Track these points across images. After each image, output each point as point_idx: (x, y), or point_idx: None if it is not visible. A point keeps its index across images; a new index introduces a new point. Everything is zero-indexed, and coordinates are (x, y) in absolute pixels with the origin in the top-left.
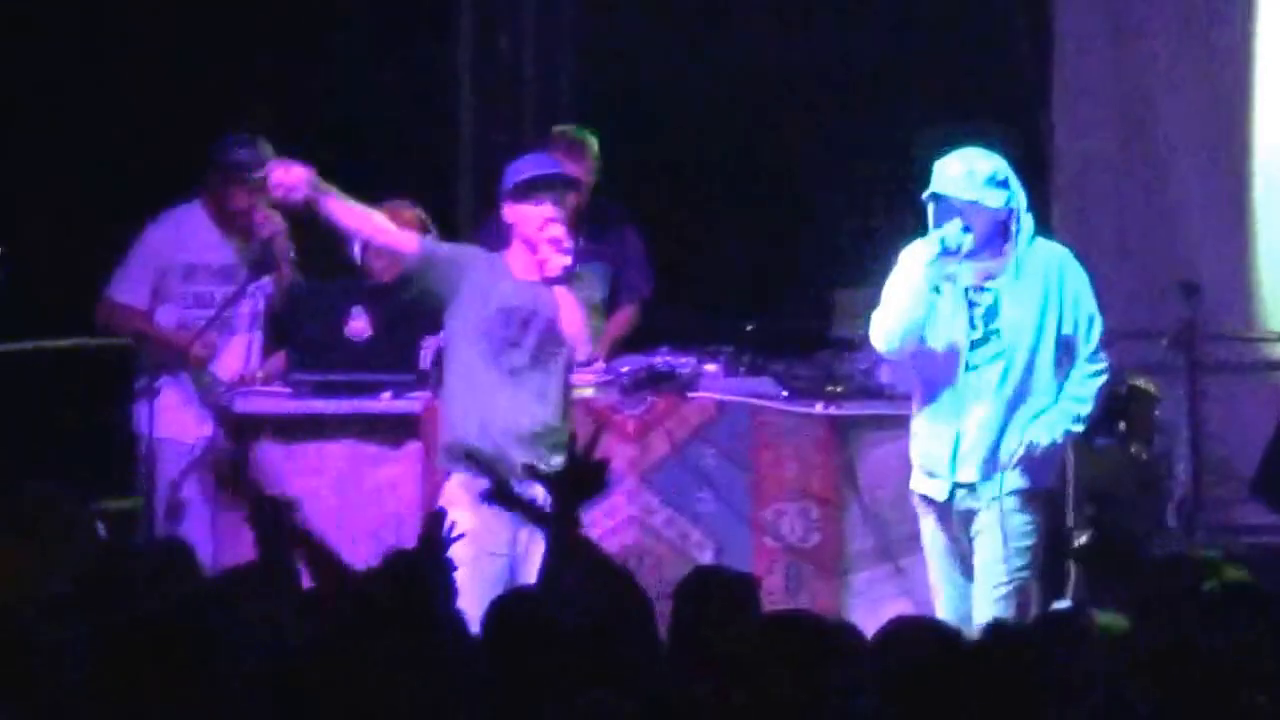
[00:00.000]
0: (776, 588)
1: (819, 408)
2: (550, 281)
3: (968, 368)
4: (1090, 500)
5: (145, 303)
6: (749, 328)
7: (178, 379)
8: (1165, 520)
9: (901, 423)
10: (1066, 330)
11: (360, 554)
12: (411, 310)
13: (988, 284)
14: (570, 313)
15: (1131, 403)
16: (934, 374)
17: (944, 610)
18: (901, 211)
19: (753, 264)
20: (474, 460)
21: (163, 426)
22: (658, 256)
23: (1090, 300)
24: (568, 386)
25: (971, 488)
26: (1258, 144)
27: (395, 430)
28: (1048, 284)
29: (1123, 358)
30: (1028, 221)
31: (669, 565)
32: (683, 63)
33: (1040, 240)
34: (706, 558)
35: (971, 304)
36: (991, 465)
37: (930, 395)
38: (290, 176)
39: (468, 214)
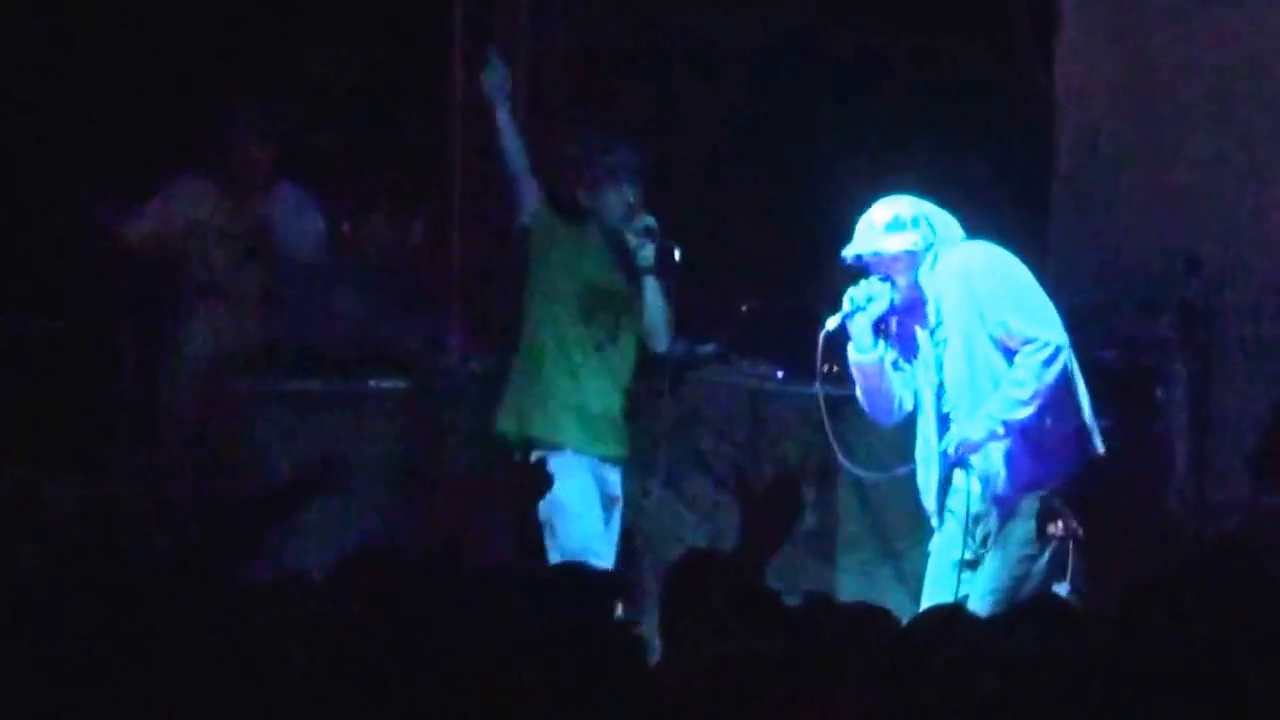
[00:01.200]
0: (770, 570)
1: (818, 388)
2: (642, 271)
3: (941, 417)
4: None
5: (136, 244)
6: (744, 308)
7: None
8: (1166, 500)
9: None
10: (994, 333)
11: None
12: (401, 290)
13: (935, 324)
14: (653, 302)
15: (1129, 382)
16: (921, 420)
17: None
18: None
19: (749, 245)
20: None
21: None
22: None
23: (1006, 300)
24: (635, 374)
25: (973, 495)
26: (1267, 125)
27: (383, 408)
28: (960, 301)
29: (1127, 335)
30: (946, 249)
31: (661, 547)
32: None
33: (946, 256)
34: (700, 540)
35: (936, 344)
36: (989, 483)
37: (920, 437)
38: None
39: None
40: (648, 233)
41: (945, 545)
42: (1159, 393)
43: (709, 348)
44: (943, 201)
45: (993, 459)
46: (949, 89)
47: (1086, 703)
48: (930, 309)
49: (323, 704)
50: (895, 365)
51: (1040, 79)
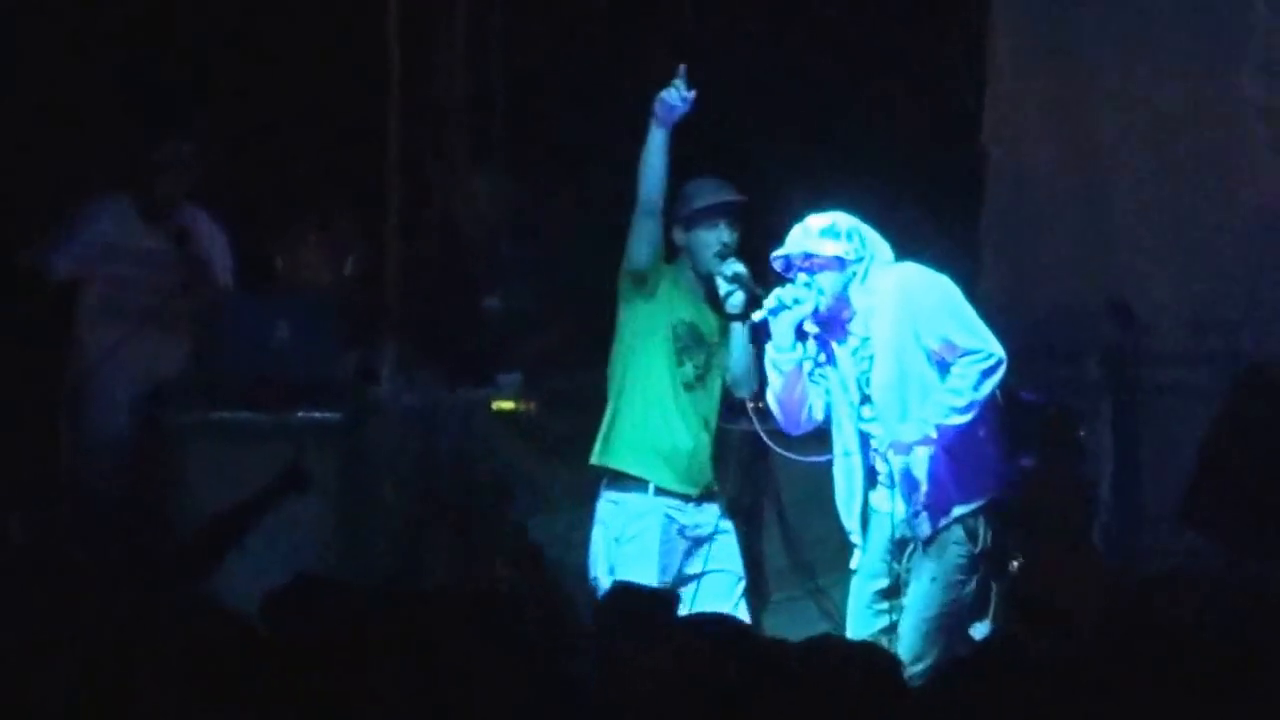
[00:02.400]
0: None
1: (743, 425)
2: (728, 317)
3: (861, 434)
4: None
5: (63, 275)
6: None
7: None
8: (1092, 541)
9: (824, 439)
10: (933, 349)
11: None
12: (334, 320)
13: (861, 339)
14: (739, 348)
15: (1056, 423)
16: (836, 437)
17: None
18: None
19: None
20: None
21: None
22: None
23: (945, 315)
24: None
25: (899, 520)
26: (1199, 163)
27: (316, 439)
28: (897, 317)
29: (1052, 378)
30: (877, 264)
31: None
32: (612, 80)
33: (888, 270)
34: None
35: (856, 362)
36: (914, 504)
37: (838, 453)
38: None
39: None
40: (736, 279)
41: (867, 574)
42: (1084, 434)
43: None
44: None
45: (917, 480)
46: (881, 137)
47: None
48: (856, 324)
49: None
50: (810, 374)
51: (971, 125)
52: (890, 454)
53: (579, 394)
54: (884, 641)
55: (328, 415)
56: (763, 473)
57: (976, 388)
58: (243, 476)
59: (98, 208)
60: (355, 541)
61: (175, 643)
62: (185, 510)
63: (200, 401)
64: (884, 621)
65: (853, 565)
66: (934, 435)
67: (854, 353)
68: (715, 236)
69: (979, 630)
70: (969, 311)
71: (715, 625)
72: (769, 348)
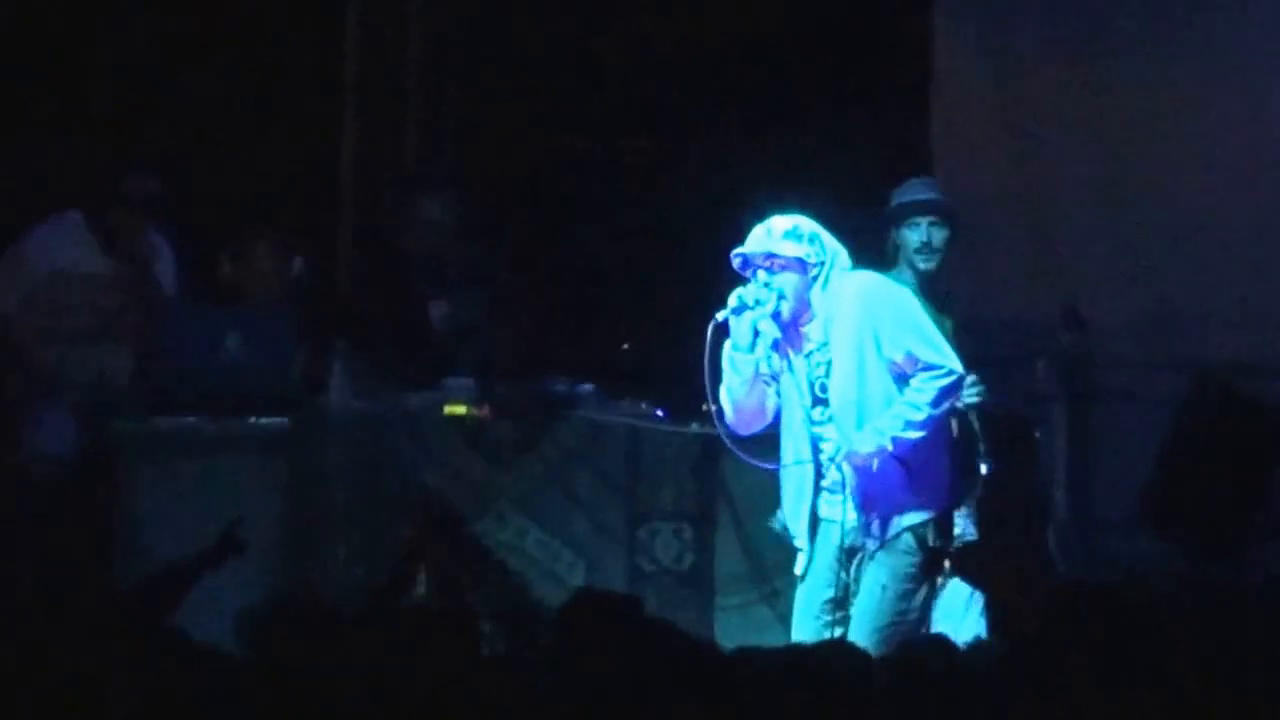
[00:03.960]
0: (649, 610)
1: (694, 428)
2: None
3: (813, 437)
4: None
5: (8, 309)
6: (625, 347)
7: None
8: (1046, 547)
9: (775, 443)
10: (894, 360)
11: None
12: (284, 330)
13: (819, 344)
14: None
15: (1009, 430)
16: (786, 441)
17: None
18: None
19: (630, 285)
20: None
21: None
22: (538, 276)
23: (907, 328)
24: None
25: (848, 528)
26: (1143, 178)
27: (265, 449)
28: (859, 326)
29: (1005, 385)
30: (837, 269)
31: (539, 586)
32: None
33: (848, 276)
34: (577, 579)
35: (812, 367)
36: (865, 513)
37: (787, 459)
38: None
39: (346, 238)
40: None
41: (815, 584)
42: (1038, 440)
43: (588, 387)
44: None
45: (869, 488)
46: (828, 150)
47: None
48: (814, 328)
49: None
50: (764, 378)
51: (917, 146)
52: (843, 463)
53: (527, 400)
54: None
55: (276, 422)
56: (716, 476)
57: (935, 404)
58: (190, 484)
59: (48, 235)
60: (305, 549)
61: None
62: (133, 519)
63: (147, 409)
64: (835, 634)
65: (797, 570)
66: (889, 447)
67: (808, 356)
68: (916, 235)
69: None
70: (930, 326)
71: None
72: (727, 347)
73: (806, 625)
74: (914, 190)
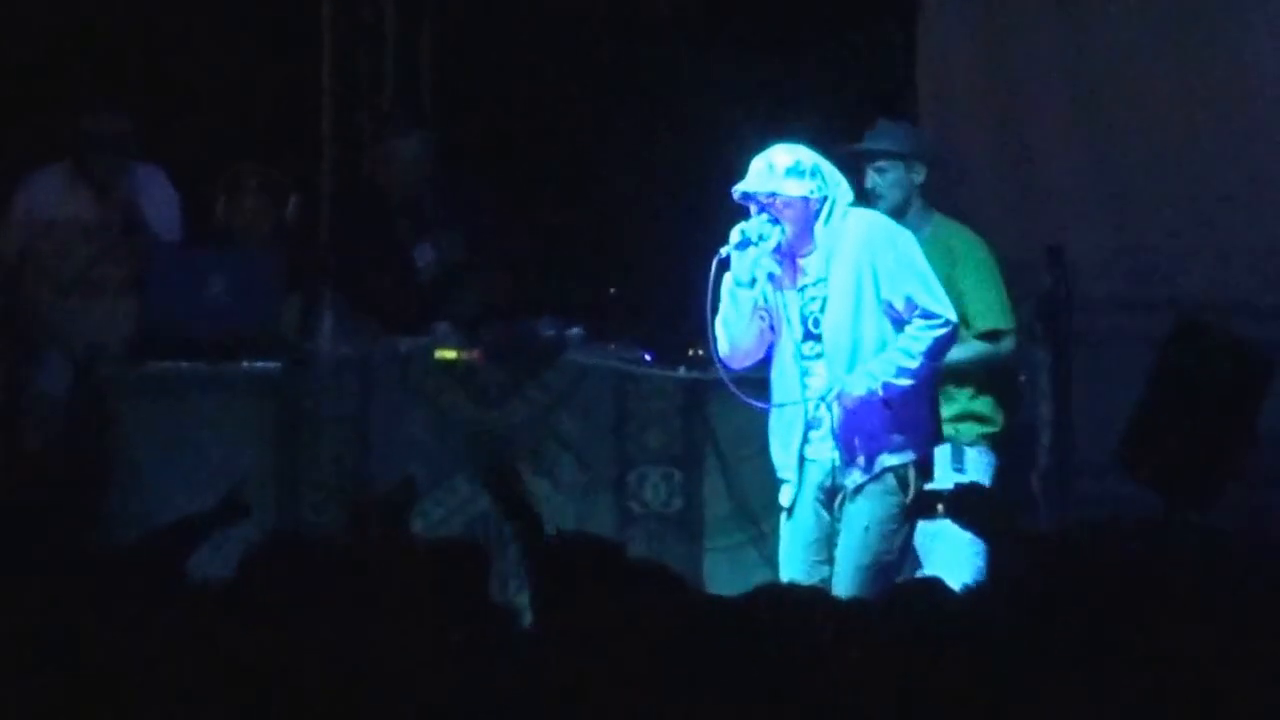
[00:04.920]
0: (638, 553)
1: (682, 372)
2: None
3: (802, 371)
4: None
5: (6, 255)
6: (613, 291)
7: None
8: (1030, 488)
9: (762, 386)
10: (890, 299)
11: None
12: (272, 272)
13: (816, 279)
14: None
15: (994, 371)
16: (777, 377)
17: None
18: None
19: (618, 230)
20: None
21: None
22: (524, 220)
23: (910, 271)
24: None
25: (831, 465)
26: (1131, 117)
27: (252, 392)
28: (859, 264)
29: None
30: (841, 205)
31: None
32: (549, 22)
33: (853, 214)
34: (567, 523)
35: (806, 301)
36: (848, 452)
37: (775, 397)
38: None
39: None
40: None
41: (801, 523)
42: (1022, 378)
43: (576, 330)
44: None
45: (853, 428)
46: (815, 93)
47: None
48: (812, 263)
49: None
50: (760, 311)
51: (903, 102)
52: (832, 402)
53: (516, 343)
54: None
55: (266, 366)
56: (703, 421)
57: (930, 354)
58: (181, 428)
59: (39, 182)
60: (293, 492)
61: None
62: (124, 464)
63: (137, 354)
64: (823, 573)
65: (784, 502)
66: (880, 391)
67: (802, 290)
68: (867, 180)
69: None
70: (930, 272)
71: (661, 574)
72: (727, 280)
73: (794, 564)
74: (871, 136)
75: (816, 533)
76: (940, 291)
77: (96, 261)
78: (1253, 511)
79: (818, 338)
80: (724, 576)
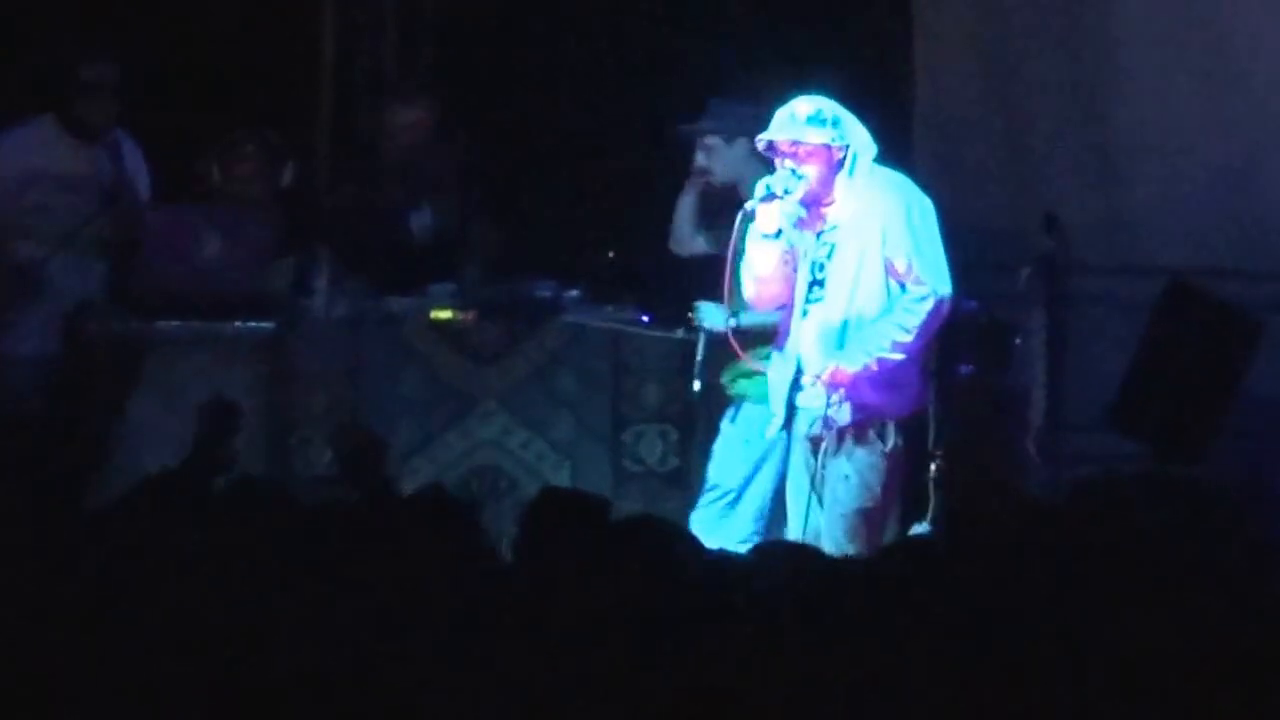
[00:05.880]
0: (636, 510)
1: (680, 333)
2: None
3: (803, 313)
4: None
5: None
6: (611, 254)
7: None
8: (1024, 449)
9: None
10: (891, 257)
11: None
12: (265, 231)
13: (828, 226)
14: None
15: (988, 333)
16: (785, 321)
17: (793, 535)
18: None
19: (616, 191)
20: None
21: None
22: (521, 179)
23: (917, 234)
24: None
25: (815, 415)
26: (1122, 86)
27: (245, 352)
28: (871, 219)
29: (984, 289)
30: (865, 158)
31: (525, 487)
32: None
33: (878, 171)
34: (563, 480)
35: (818, 246)
36: (828, 395)
37: (776, 341)
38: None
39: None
40: None
41: (795, 470)
42: (1018, 344)
43: (574, 292)
44: None
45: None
46: (809, 61)
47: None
48: (834, 211)
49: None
50: (786, 255)
51: (898, 53)
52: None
53: (512, 304)
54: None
55: (260, 326)
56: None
57: (924, 328)
58: (172, 387)
59: (22, 134)
60: (285, 453)
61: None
62: (114, 422)
63: (129, 313)
64: (817, 514)
65: (768, 434)
66: (874, 366)
67: (819, 235)
68: None
69: (920, 529)
70: (938, 242)
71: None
72: (754, 232)
73: (794, 508)
74: (703, 117)
75: (809, 478)
76: (942, 263)
77: (75, 215)
78: (1247, 466)
79: (821, 284)
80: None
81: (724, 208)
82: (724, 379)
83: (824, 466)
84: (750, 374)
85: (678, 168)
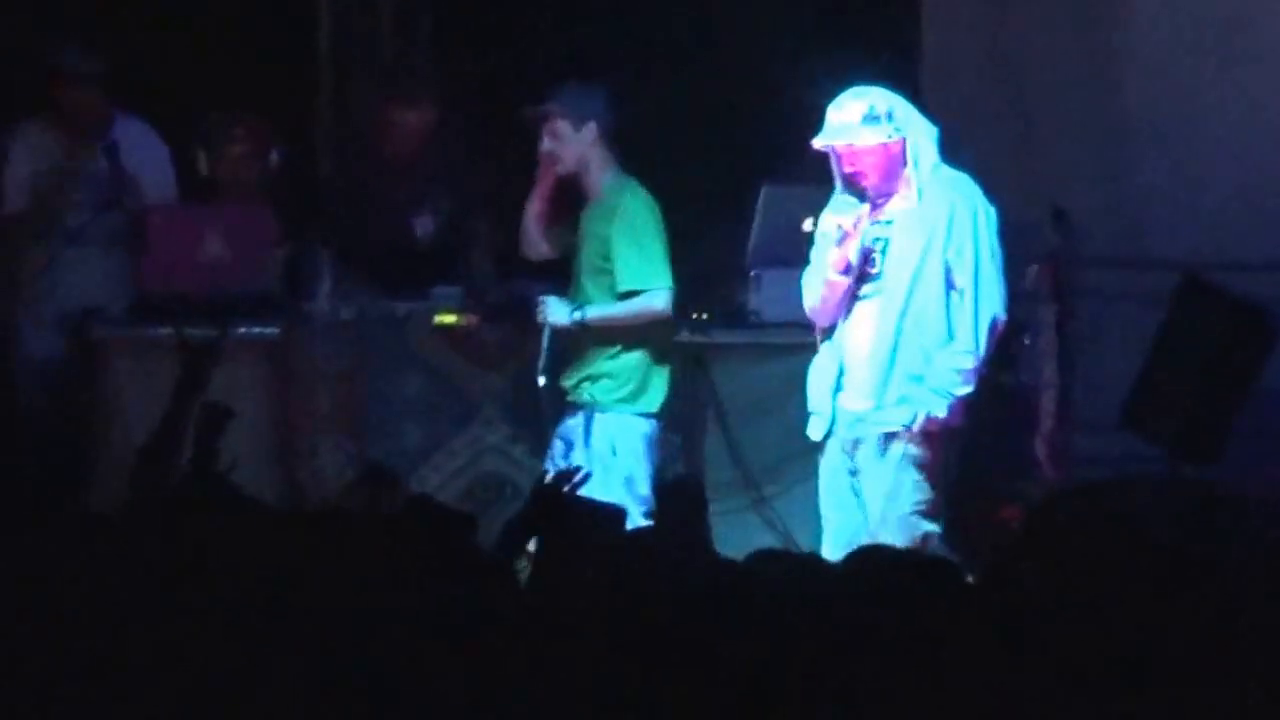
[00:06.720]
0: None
1: (684, 335)
2: None
3: (850, 309)
4: None
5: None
6: None
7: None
8: (1033, 451)
9: (765, 350)
10: (952, 263)
11: None
12: (269, 233)
13: (886, 218)
14: None
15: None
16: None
17: (828, 540)
18: (763, 147)
19: None
20: None
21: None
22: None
23: (982, 244)
24: None
25: (859, 418)
26: (1133, 73)
27: (250, 355)
28: (937, 217)
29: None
30: (925, 143)
31: (528, 492)
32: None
33: (945, 170)
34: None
35: (873, 240)
36: (879, 398)
37: (823, 333)
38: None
39: (325, 139)
40: None
41: (830, 461)
42: (1026, 342)
43: None
44: None
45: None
46: (816, 55)
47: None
48: (894, 204)
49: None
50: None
51: (907, 52)
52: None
53: (516, 307)
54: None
55: (263, 330)
56: (704, 384)
57: (983, 347)
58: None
59: (28, 133)
60: (290, 455)
61: None
62: (118, 426)
63: (132, 317)
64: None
65: (812, 435)
66: (942, 414)
67: (873, 223)
68: None
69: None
70: (999, 255)
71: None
72: (830, 270)
73: (830, 495)
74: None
75: (851, 479)
76: (1000, 281)
77: (86, 214)
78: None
79: (872, 277)
80: (724, 540)
81: (566, 205)
82: (567, 383)
83: (865, 469)
84: (597, 377)
85: (681, 170)
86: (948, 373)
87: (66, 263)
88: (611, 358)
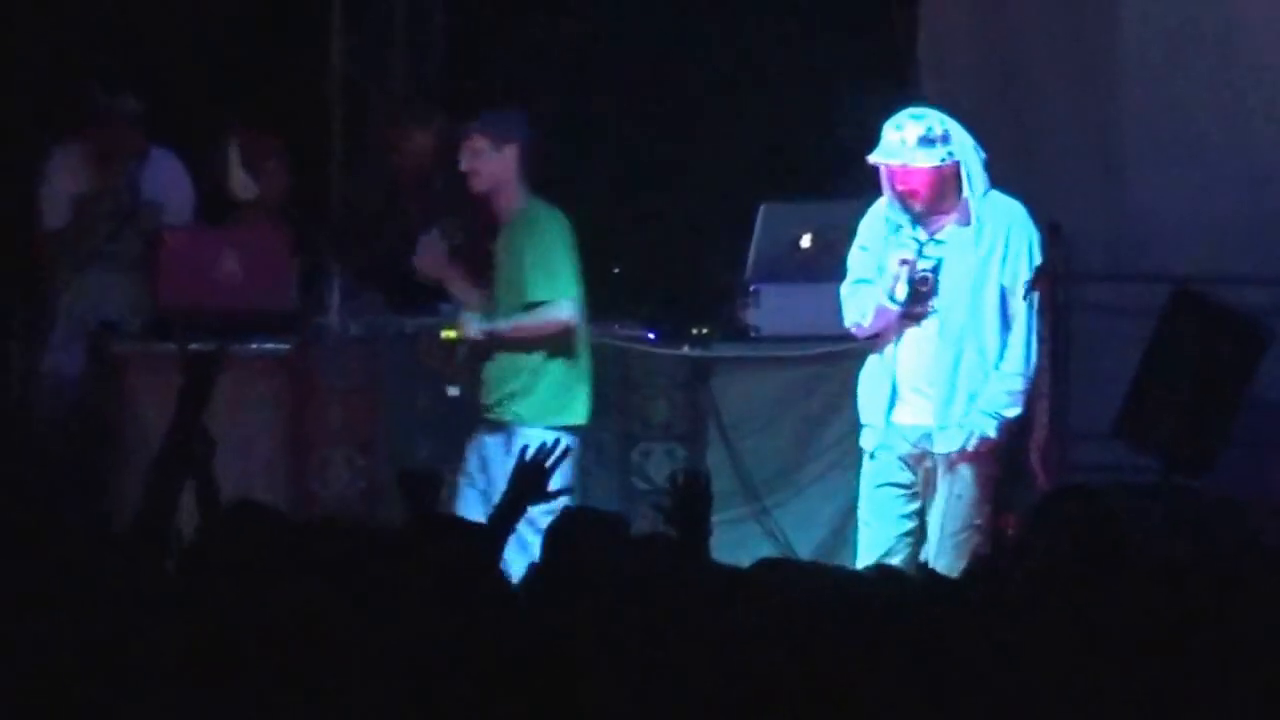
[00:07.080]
0: (644, 529)
1: (685, 349)
2: None
3: (905, 322)
4: None
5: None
6: (616, 270)
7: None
8: (1027, 461)
9: (765, 364)
10: (1007, 285)
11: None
12: (284, 252)
13: (939, 237)
14: None
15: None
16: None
17: (864, 547)
18: (770, 160)
19: (623, 208)
20: None
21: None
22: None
23: (1033, 268)
24: None
25: (922, 434)
26: (1126, 94)
27: (263, 371)
28: (994, 240)
29: None
30: (977, 171)
31: None
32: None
33: (997, 195)
34: (572, 500)
35: (921, 258)
36: (940, 416)
37: (874, 347)
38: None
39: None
40: None
41: (886, 480)
42: None
43: None
44: None
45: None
46: (813, 63)
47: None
48: (945, 224)
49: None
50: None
51: (905, 58)
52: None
53: None
54: (907, 545)
55: (276, 345)
56: (706, 397)
57: (1033, 369)
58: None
59: (62, 156)
60: (304, 471)
61: None
62: (137, 442)
63: (149, 333)
64: (910, 524)
65: (864, 445)
66: (993, 434)
67: (920, 244)
68: None
69: None
70: None
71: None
72: (886, 301)
73: (878, 507)
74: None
75: (905, 495)
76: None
77: (110, 237)
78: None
79: (921, 297)
80: (726, 551)
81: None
82: (488, 400)
83: (925, 488)
84: (518, 394)
85: (682, 183)
86: (999, 394)
87: (91, 281)
88: (531, 373)
